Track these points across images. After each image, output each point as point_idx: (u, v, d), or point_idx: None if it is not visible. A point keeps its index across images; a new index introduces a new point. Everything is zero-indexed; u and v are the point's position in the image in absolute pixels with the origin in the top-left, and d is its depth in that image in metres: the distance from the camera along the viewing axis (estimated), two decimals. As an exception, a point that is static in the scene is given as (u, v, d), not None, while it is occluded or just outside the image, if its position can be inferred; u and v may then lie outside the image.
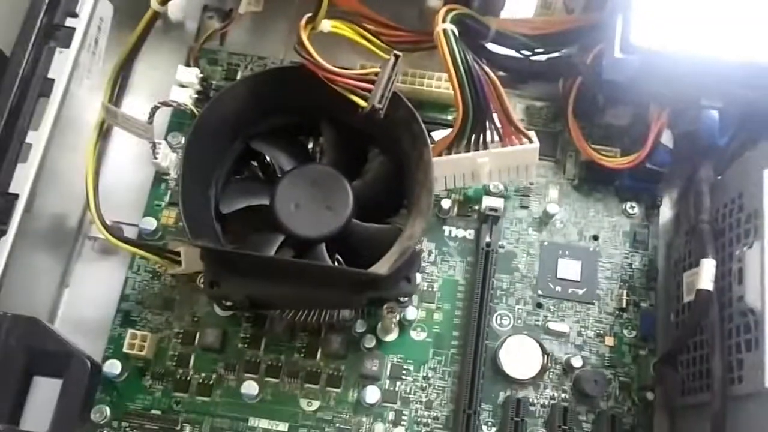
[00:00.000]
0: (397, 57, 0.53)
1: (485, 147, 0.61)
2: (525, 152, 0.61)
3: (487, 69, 0.60)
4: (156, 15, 0.65)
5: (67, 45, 0.54)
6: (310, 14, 0.56)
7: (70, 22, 0.55)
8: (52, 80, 0.53)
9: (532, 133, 0.61)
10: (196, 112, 0.62)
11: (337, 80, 0.53)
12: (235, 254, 0.51)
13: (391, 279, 0.52)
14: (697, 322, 0.55)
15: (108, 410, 0.59)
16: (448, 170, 0.61)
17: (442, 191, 0.65)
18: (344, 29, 0.61)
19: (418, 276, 0.62)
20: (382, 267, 0.52)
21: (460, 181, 0.62)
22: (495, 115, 0.60)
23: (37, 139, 0.52)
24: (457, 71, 0.58)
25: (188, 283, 0.63)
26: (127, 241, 0.61)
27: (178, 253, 0.61)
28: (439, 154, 0.60)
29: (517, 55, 0.70)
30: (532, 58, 0.69)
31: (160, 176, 0.67)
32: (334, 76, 0.53)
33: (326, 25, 0.60)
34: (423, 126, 0.53)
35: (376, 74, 0.53)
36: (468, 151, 0.61)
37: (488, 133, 0.61)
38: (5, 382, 0.48)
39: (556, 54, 0.70)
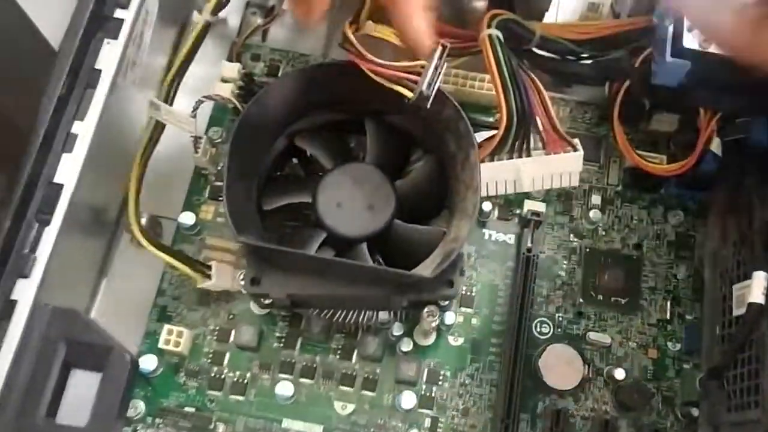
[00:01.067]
0: (444, 47, 0.52)
1: (528, 154, 0.60)
2: (569, 160, 0.60)
3: (532, 75, 0.59)
4: (208, 26, 0.65)
5: (116, 36, 0.54)
6: (351, 18, 0.56)
7: (119, 13, 0.54)
8: (99, 71, 0.53)
9: (576, 141, 0.60)
10: (240, 107, 0.61)
11: (384, 72, 0.52)
12: (281, 252, 0.51)
13: (434, 282, 0.51)
14: (748, 336, 0.53)
15: (142, 405, 0.59)
16: (490, 176, 0.59)
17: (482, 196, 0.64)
18: (386, 33, 0.61)
19: (462, 276, 0.61)
20: (426, 269, 0.51)
21: (502, 187, 0.61)
22: (539, 122, 0.59)
23: (83, 129, 0.52)
24: (501, 77, 0.57)
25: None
26: (161, 247, 0.60)
27: (209, 267, 0.60)
28: (482, 161, 0.58)
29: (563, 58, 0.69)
30: (578, 60, 0.68)
31: (199, 171, 0.67)
32: (381, 69, 0.52)
33: (370, 26, 0.59)
34: (470, 126, 0.52)
35: (423, 66, 0.52)
36: (510, 157, 0.60)
37: (531, 139, 0.60)
38: (44, 374, 0.48)
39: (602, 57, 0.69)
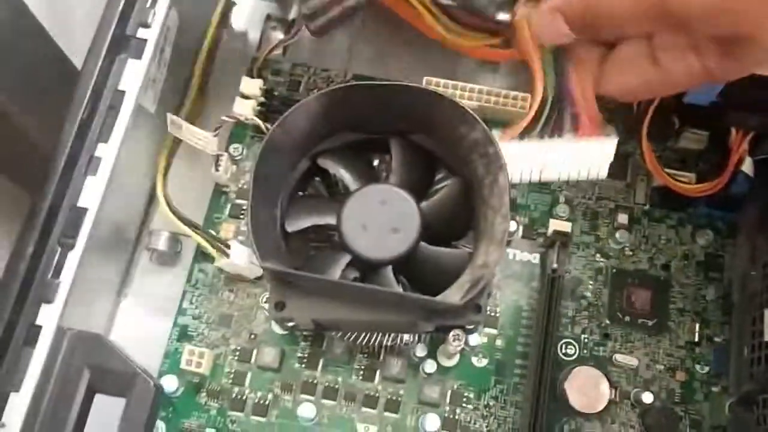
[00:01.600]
0: None
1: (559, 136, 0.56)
2: (602, 146, 0.55)
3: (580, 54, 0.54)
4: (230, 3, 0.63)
5: (139, 56, 0.53)
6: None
7: (141, 33, 0.54)
8: (123, 92, 0.52)
9: (611, 127, 0.57)
10: (262, 126, 0.61)
11: None
12: (304, 278, 0.50)
13: (462, 307, 0.50)
14: (782, 364, 0.52)
15: (163, 426, 0.58)
16: (515, 160, 0.54)
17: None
18: None
19: (489, 298, 0.60)
20: (454, 295, 0.50)
21: (527, 174, 0.56)
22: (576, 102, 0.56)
23: (107, 152, 0.51)
24: (542, 49, 0.55)
25: (246, 300, 0.63)
26: (187, 222, 0.61)
27: (228, 246, 0.60)
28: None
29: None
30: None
31: (220, 188, 0.66)
32: None
33: None
34: (499, 149, 0.51)
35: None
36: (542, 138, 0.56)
37: (565, 123, 0.56)
38: (68, 399, 0.47)
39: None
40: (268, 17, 0.73)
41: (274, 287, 0.51)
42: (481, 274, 0.49)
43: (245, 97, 0.65)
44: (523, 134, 0.57)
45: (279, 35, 0.72)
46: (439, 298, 0.50)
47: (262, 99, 0.65)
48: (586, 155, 0.56)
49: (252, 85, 0.65)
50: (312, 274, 0.50)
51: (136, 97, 0.53)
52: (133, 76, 0.53)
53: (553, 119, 0.57)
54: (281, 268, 0.50)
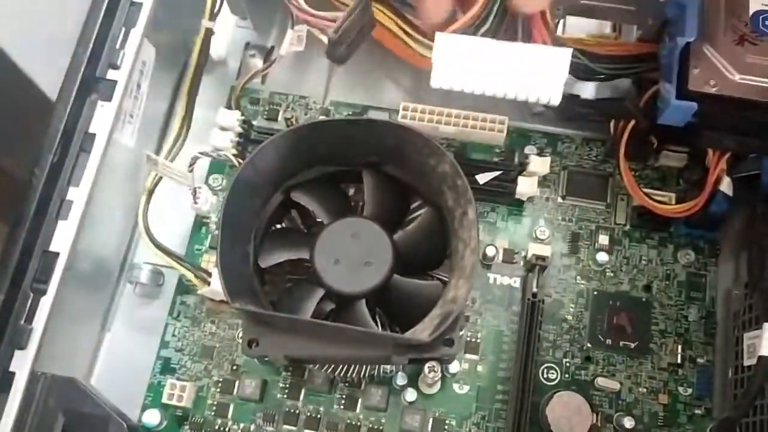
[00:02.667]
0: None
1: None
2: (555, 55, 0.50)
3: None
4: (210, 33, 0.64)
5: (109, 98, 0.54)
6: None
7: (111, 74, 0.54)
8: (93, 135, 0.53)
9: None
10: (236, 163, 0.61)
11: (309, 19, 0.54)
12: (275, 317, 0.50)
13: (433, 342, 0.50)
14: (758, 391, 0.52)
15: (147, 461, 0.59)
16: (458, 58, 0.50)
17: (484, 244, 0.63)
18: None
19: (462, 330, 0.60)
20: (424, 331, 0.50)
21: (469, 82, 0.51)
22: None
23: (78, 196, 0.52)
24: None
25: (228, 331, 0.63)
26: (168, 253, 0.61)
27: (210, 274, 0.60)
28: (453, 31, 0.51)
29: (566, 93, 0.67)
30: (582, 98, 0.67)
31: (200, 220, 0.66)
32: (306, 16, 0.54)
33: None
34: (467, 183, 0.51)
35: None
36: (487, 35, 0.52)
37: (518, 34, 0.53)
38: (44, 444, 0.48)
39: (607, 91, 0.68)
40: (248, 45, 0.74)
41: (246, 325, 0.52)
42: (450, 309, 0.49)
43: (223, 128, 0.65)
44: (469, 26, 0.52)
45: (258, 63, 0.72)
46: (408, 334, 0.50)
47: (240, 130, 0.65)
48: (540, 65, 0.50)
49: (229, 117, 0.65)
50: (281, 314, 0.51)
51: (106, 139, 0.53)
52: (104, 119, 0.53)
53: (503, 29, 0.53)
54: (251, 308, 0.50)
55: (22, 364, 0.48)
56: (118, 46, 0.54)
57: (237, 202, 0.51)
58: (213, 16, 0.64)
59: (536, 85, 0.51)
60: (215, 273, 0.61)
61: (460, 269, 0.52)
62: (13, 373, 0.48)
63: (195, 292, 0.64)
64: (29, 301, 0.49)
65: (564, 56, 0.51)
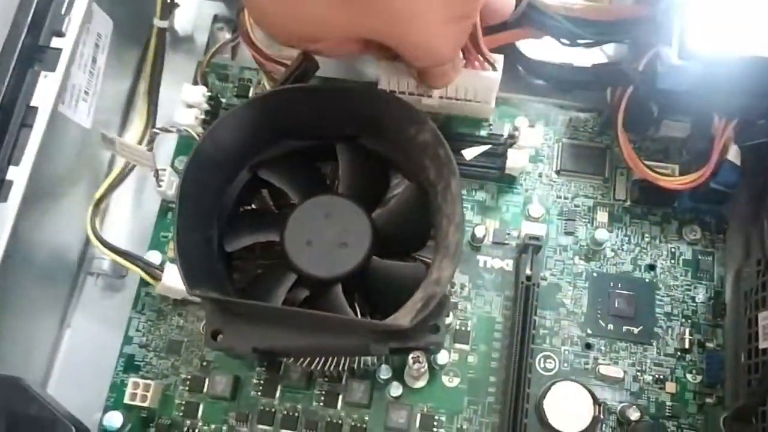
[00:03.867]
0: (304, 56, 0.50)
1: None
2: (484, 79, 0.56)
3: None
4: (162, 31, 0.60)
5: (53, 68, 0.48)
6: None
7: (56, 42, 0.49)
8: (36, 108, 0.48)
9: (499, 61, 0.56)
10: (196, 137, 0.56)
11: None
12: (240, 304, 0.45)
13: (417, 328, 0.46)
14: (778, 376, 0.47)
15: (109, 467, 0.54)
16: (397, 72, 0.55)
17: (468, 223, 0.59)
18: None
19: (449, 316, 0.55)
20: (404, 317, 0.45)
21: (404, 83, 0.56)
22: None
23: (19, 175, 0.47)
24: None
25: (197, 324, 0.58)
26: (115, 250, 0.56)
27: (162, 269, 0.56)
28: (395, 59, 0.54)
29: (557, 62, 0.63)
30: (575, 65, 0.62)
31: (166, 205, 0.62)
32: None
33: None
34: (450, 152, 0.46)
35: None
36: None
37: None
38: (-17, 450, 0.43)
39: (602, 58, 0.63)
40: (216, 18, 0.69)
41: (210, 315, 0.47)
42: (433, 292, 0.45)
43: (188, 105, 0.60)
44: None
45: (227, 36, 0.67)
46: (389, 320, 0.46)
47: (207, 107, 0.60)
48: (470, 83, 0.57)
49: (195, 93, 0.60)
50: (247, 300, 0.46)
51: (50, 113, 0.48)
52: (48, 90, 0.48)
53: None
54: (212, 294, 0.45)
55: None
56: (63, 12, 0.49)
57: (196, 179, 0.46)
58: (165, 15, 0.61)
59: (472, 94, 0.58)
60: (168, 267, 0.56)
61: (444, 248, 0.47)
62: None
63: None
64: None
65: (494, 78, 0.57)
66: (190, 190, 0.46)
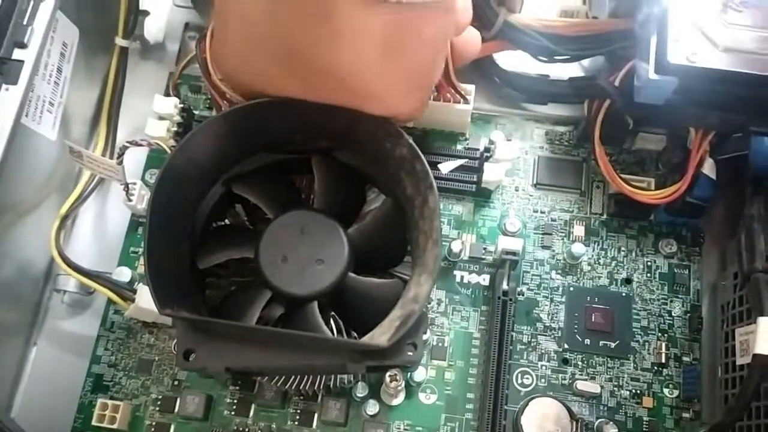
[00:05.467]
0: None
1: None
2: (455, 111, 0.59)
3: None
4: (125, 50, 0.59)
5: (15, 81, 0.47)
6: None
7: (18, 54, 0.47)
8: (-6, 125, 0.46)
9: (471, 92, 0.59)
10: (167, 150, 0.55)
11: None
12: (212, 323, 0.44)
13: (394, 347, 0.45)
14: (754, 393, 0.47)
15: (76, 492, 0.52)
16: None
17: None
18: None
19: (426, 333, 0.54)
20: (382, 335, 0.44)
21: None
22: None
23: (-22, 191, 0.45)
24: None
25: (168, 342, 0.57)
26: (85, 274, 0.54)
27: (135, 291, 0.54)
28: None
29: (534, 74, 0.62)
30: (552, 78, 0.62)
31: (136, 220, 0.60)
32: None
33: None
34: (428, 167, 0.45)
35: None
36: None
37: None
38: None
39: (578, 76, 0.63)
40: (187, 25, 0.67)
41: (182, 334, 0.45)
42: (411, 310, 0.44)
43: (160, 117, 0.59)
44: None
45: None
46: (366, 338, 0.45)
47: (179, 119, 0.59)
48: (443, 115, 0.60)
49: (166, 104, 0.59)
50: (220, 320, 0.45)
51: (11, 127, 0.46)
52: (9, 104, 0.47)
53: None
54: (184, 314, 0.44)
55: None
56: (25, 22, 0.47)
57: (167, 194, 0.45)
58: (128, 34, 0.60)
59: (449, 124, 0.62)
60: (141, 289, 0.54)
61: (422, 264, 0.46)
62: None
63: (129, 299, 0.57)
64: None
65: (465, 111, 0.59)
66: (162, 205, 0.44)
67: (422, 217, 0.46)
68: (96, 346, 0.57)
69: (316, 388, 0.52)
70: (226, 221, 0.54)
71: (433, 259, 0.44)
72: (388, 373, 0.49)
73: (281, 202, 0.51)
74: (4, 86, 0.46)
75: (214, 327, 0.45)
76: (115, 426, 0.53)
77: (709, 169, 0.56)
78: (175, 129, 0.59)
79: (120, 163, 0.54)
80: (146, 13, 0.65)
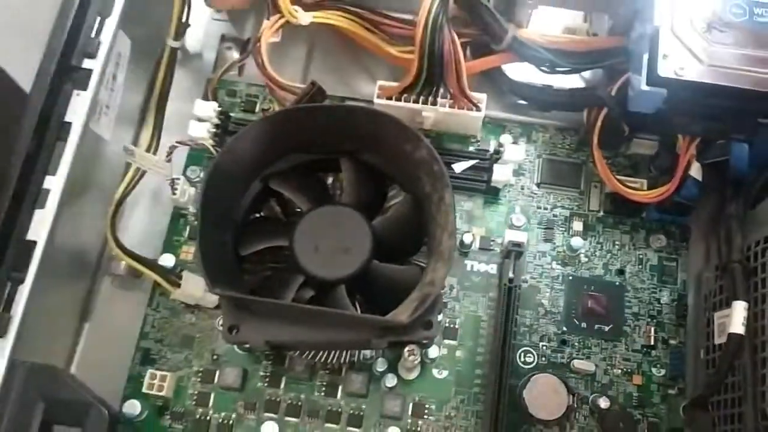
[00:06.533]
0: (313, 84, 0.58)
1: (434, 102, 0.64)
2: (469, 117, 0.65)
3: (455, 37, 0.61)
4: (174, 51, 0.65)
5: (85, 87, 0.53)
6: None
7: (87, 63, 0.54)
8: (69, 124, 0.53)
9: (483, 100, 0.65)
10: (213, 152, 0.61)
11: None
12: (255, 301, 0.51)
13: (413, 324, 0.51)
14: (729, 368, 0.53)
15: (128, 451, 0.59)
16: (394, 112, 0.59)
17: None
18: (331, 17, 0.64)
19: (440, 314, 0.61)
20: (402, 313, 0.51)
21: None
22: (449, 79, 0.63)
23: (54, 184, 0.52)
24: (425, 27, 0.59)
25: (208, 321, 0.63)
26: (137, 258, 0.60)
27: (180, 276, 0.61)
28: (389, 98, 0.64)
29: (539, 84, 0.68)
30: (555, 88, 0.68)
31: (178, 212, 0.66)
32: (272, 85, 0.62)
33: (305, 17, 0.62)
34: (444, 168, 0.52)
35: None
36: (417, 102, 0.64)
37: (441, 90, 0.65)
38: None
39: (580, 82, 0.69)
40: (223, 37, 0.74)
41: (227, 311, 0.52)
42: (428, 292, 0.50)
43: (200, 119, 0.65)
44: (401, 95, 0.65)
45: (234, 55, 0.72)
46: (388, 316, 0.51)
47: (217, 121, 0.66)
48: (456, 122, 0.67)
49: (206, 108, 0.65)
50: (263, 298, 0.51)
51: (82, 128, 0.53)
52: (80, 108, 0.53)
53: (429, 86, 0.64)
54: (232, 293, 0.50)
55: (1, 352, 0.48)
56: (93, 35, 0.54)
57: (216, 187, 0.51)
58: (178, 36, 0.65)
59: (462, 129, 0.69)
60: (186, 276, 0.60)
61: (437, 253, 0.52)
62: (-9, 362, 0.48)
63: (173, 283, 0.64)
64: (7, 290, 0.49)
65: (475, 119, 0.66)
66: (211, 197, 0.51)
67: (439, 212, 0.53)
68: (144, 324, 0.63)
69: (342, 362, 0.58)
70: (263, 214, 0.61)
71: (448, 249, 0.51)
72: (406, 348, 0.56)
73: (313, 197, 0.57)
74: (75, 92, 0.53)
75: (256, 305, 0.51)
76: (162, 393, 0.60)
77: (695, 171, 0.61)
78: (213, 130, 0.65)
79: (169, 160, 0.60)
80: (187, 24, 0.71)
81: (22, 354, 0.50)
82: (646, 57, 0.56)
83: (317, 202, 0.57)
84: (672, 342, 0.63)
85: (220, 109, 0.66)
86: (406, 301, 0.52)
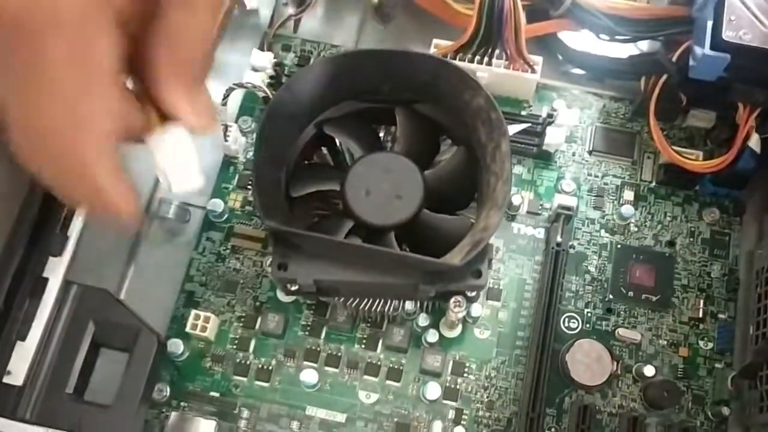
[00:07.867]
0: None
1: (489, 63, 0.64)
2: (523, 79, 0.65)
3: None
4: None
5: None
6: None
7: None
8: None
9: (539, 62, 0.64)
10: (270, 96, 0.62)
11: None
12: (307, 237, 0.51)
13: (462, 271, 0.51)
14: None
15: (168, 389, 0.59)
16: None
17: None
18: None
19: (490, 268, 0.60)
20: (454, 257, 0.50)
21: None
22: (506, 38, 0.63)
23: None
24: None
25: (252, 268, 0.63)
26: None
27: None
28: (444, 56, 0.61)
29: (596, 52, 0.68)
30: (612, 56, 0.67)
31: (229, 159, 0.67)
32: None
33: None
34: (501, 115, 0.51)
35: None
36: (472, 61, 0.64)
37: (498, 51, 0.65)
38: (73, 351, 0.48)
39: (637, 52, 0.68)
40: (279, -7, 0.74)
41: (276, 248, 0.52)
42: (480, 237, 0.50)
43: (256, 69, 0.66)
44: (457, 53, 0.64)
45: (291, 11, 0.73)
46: (441, 260, 0.51)
47: (272, 72, 0.66)
48: (510, 85, 0.66)
49: (263, 58, 0.66)
50: (315, 234, 0.51)
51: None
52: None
53: (486, 45, 0.64)
54: (284, 227, 0.50)
55: (55, 271, 0.49)
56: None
57: (273, 124, 0.52)
58: None
59: (513, 92, 0.69)
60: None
61: (491, 200, 0.52)
62: (46, 279, 0.48)
63: (221, 229, 0.64)
64: (64, 211, 0.50)
65: (530, 81, 0.66)
66: (268, 131, 0.51)
67: (494, 161, 0.52)
68: (189, 267, 0.64)
69: (385, 311, 0.58)
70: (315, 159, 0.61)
71: (502, 195, 0.50)
72: (452, 300, 0.55)
73: (366, 144, 0.57)
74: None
75: (307, 243, 0.52)
76: (205, 334, 0.60)
77: (754, 143, 0.61)
78: (268, 81, 0.66)
79: (224, 104, 0.61)
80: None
81: (75, 277, 0.51)
82: (710, 23, 0.56)
83: (370, 149, 0.57)
84: (721, 316, 0.62)
85: (275, 60, 0.66)
86: (457, 248, 0.52)
